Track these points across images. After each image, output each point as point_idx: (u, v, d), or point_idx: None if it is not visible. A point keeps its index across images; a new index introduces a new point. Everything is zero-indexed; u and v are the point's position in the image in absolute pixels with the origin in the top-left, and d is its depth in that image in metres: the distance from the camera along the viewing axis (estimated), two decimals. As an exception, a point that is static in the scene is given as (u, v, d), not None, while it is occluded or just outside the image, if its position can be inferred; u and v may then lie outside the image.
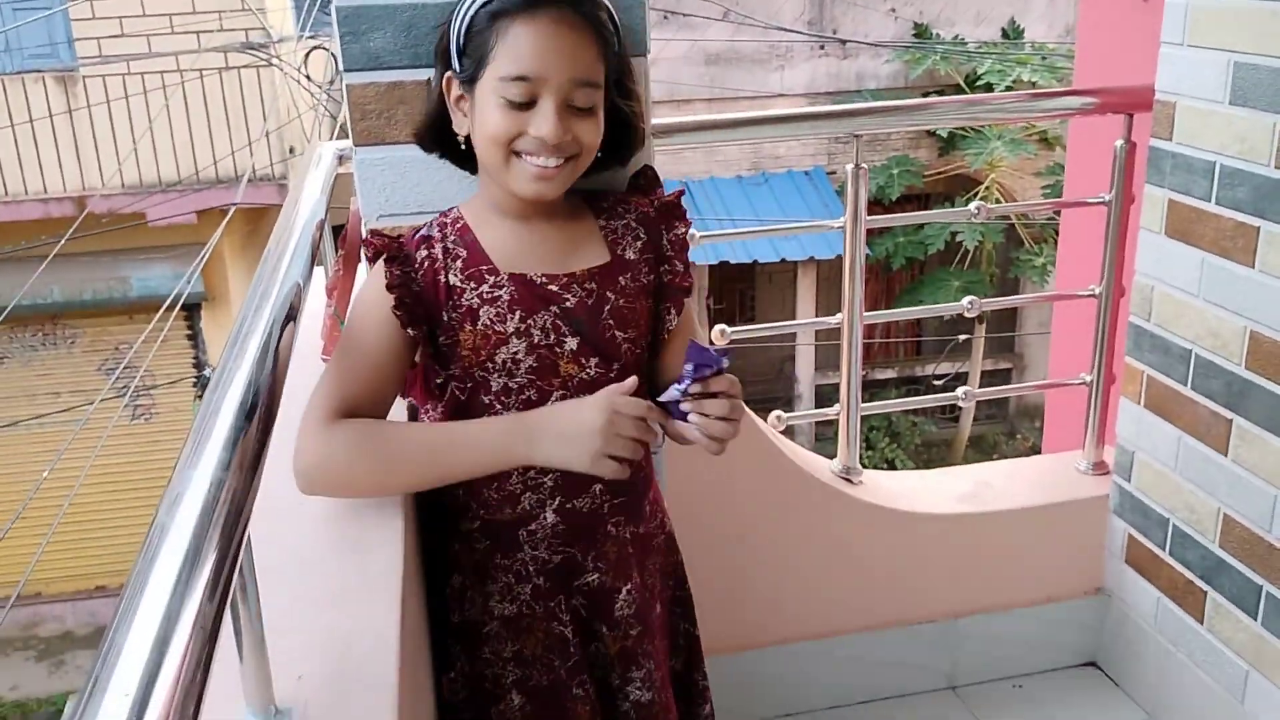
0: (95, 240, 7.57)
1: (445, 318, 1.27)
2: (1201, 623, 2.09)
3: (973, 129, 9.15)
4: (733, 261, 9.23)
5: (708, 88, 9.46)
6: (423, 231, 1.31)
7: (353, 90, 1.39)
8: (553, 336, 1.29)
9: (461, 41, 1.24)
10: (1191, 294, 2.03)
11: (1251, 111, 1.85)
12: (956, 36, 9.49)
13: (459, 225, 1.31)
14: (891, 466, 9.60)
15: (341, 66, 1.34)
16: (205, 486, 0.81)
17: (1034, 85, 8.88)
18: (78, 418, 6.83)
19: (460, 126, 1.28)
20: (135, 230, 7.95)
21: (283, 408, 1.02)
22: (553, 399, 1.29)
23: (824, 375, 10.39)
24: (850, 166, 2.11)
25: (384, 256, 1.26)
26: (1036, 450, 10.32)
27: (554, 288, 1.29)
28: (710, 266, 9.31)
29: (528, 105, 1.21)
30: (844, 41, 9.42)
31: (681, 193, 1.44)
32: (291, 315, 1.16)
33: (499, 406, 1.29)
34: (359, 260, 1.49)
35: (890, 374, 10.63)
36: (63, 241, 6.15)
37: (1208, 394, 2.01)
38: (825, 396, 10.50)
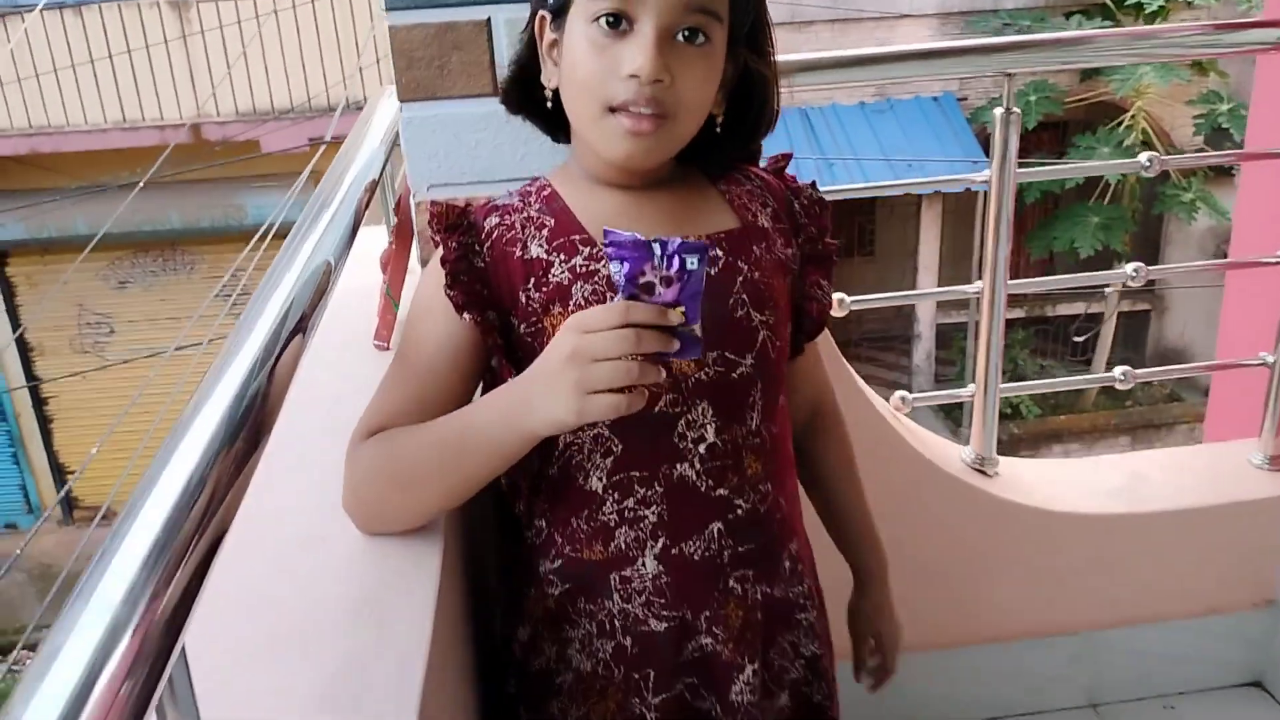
0: (212, 168, 7.60)
1: (524, 299, 1.03)
2: (1403, 658, 1.77)
3: (1120, 52, 8.45)
4: (853, 199, 8.80)
5: (830, 8, 8.95)
6: (497, 201, 1.09)
7: (396, 33, 1.16)
8: None
9: None
10: None
11: None
12: (1105, -49, 8.75)
13: (545, 193, 1.08)
14: (1016, 412, 9.16)
15: (384, 6, 1.10)
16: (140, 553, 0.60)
17: (1190, 5, 8.15)
18: (198, 341, 6.95)
19: (549, 78, 1.04)
20: (251, 157, 7.95)
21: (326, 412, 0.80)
22: (657, 408, 1.03)
23: (945, 314, 9.94)
24: (999, 111, 1.81)
25: (443, 226, 1.04)
26: (1176, 397, 9.74)
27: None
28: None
29: (622, 32, 0.97)
30: (981, -43, 8.78)
31: (789, 156, 1.21)
32: (302, 324, 0.94)
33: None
34: (412, 235, 1.28)
35: (1018, 313, 10.11)
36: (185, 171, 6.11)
37: None
38: (945, 336, 10.07)
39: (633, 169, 1.03)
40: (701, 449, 1.04)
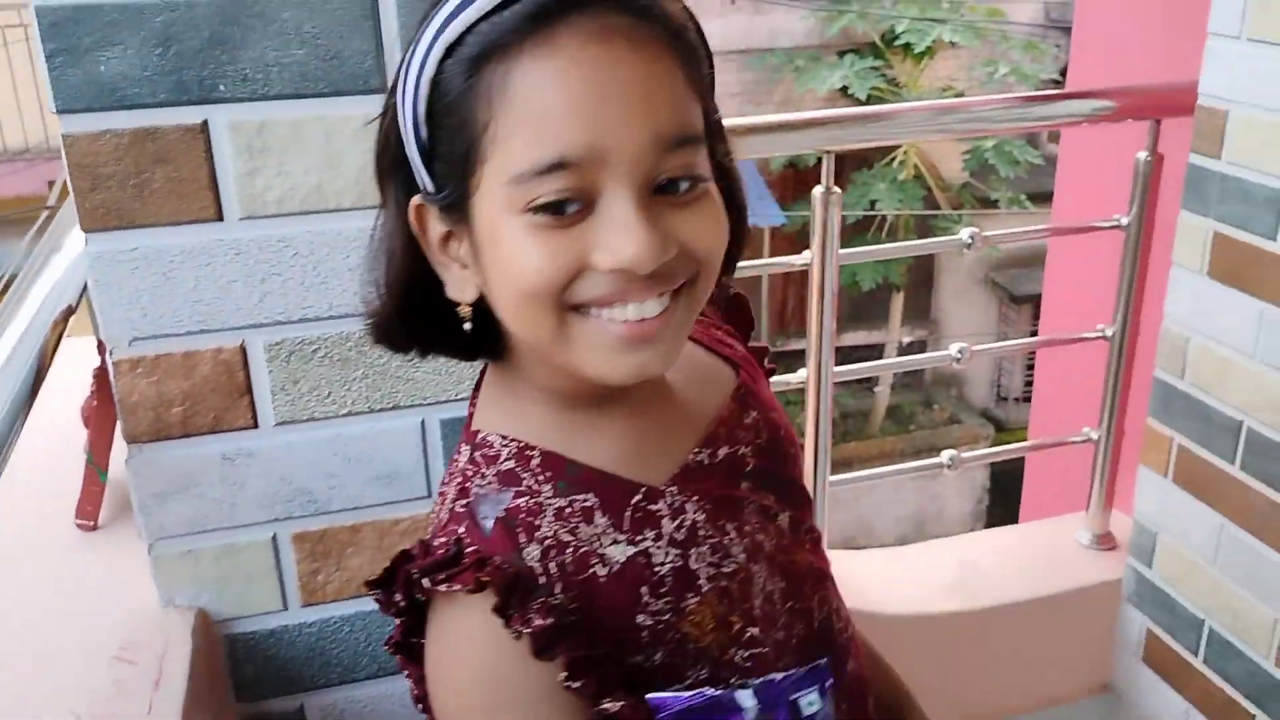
0: (-67, 215, 6.79)
1: (650, 621, 0.72)
2: (1248, 752, 1.71)
3: (890, 88, 8.79)
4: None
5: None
6: (483, 512, 0.73)
7: (74, 145, 0.86)
8: (771, 527, 0.81)
9: (423, 130, 0.69)
10: (1244, 354, 1.62)
11: (1345, 132, 1.43)
12: (873, -9, 9.08)
13: (536, 461, 0.74)
14: (808, 442, 9.31)
15: (53, 106, 0.81)
16: None
17: (953, 45, 8.54)
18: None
19: (459, 289, 0.72)
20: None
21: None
22: (817, 618, 0.83)
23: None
24: (819, 190, 1.65)
25: (501, 603, 0.68)
26: (956, 420, 10.16)
27: (724, 451, 0.79)
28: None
29: (579, 213, 0.66)
30: (756, -4, 8.94)
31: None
32: None
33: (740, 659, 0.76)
34: (114, 397, 0.97)
35: (804, 345, 10.31)
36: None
37: (1266, 479, 1.61)
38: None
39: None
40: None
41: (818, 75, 8.54)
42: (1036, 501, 2.33)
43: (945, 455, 1.96)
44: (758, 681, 0.65)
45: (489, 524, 0.72)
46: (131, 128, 0.90)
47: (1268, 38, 1.52)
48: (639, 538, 0.73)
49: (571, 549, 0.72)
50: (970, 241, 1.83)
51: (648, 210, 0.65)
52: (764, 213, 8.92)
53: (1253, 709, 1.69)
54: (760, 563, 0.78)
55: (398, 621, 0.73)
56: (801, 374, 1.78)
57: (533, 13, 0.64)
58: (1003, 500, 9.11)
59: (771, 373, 0.94)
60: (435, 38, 0.66)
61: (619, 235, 0.64)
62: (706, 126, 0.70)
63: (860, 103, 9.16)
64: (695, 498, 0.76)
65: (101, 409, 1.04)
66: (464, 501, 0.73)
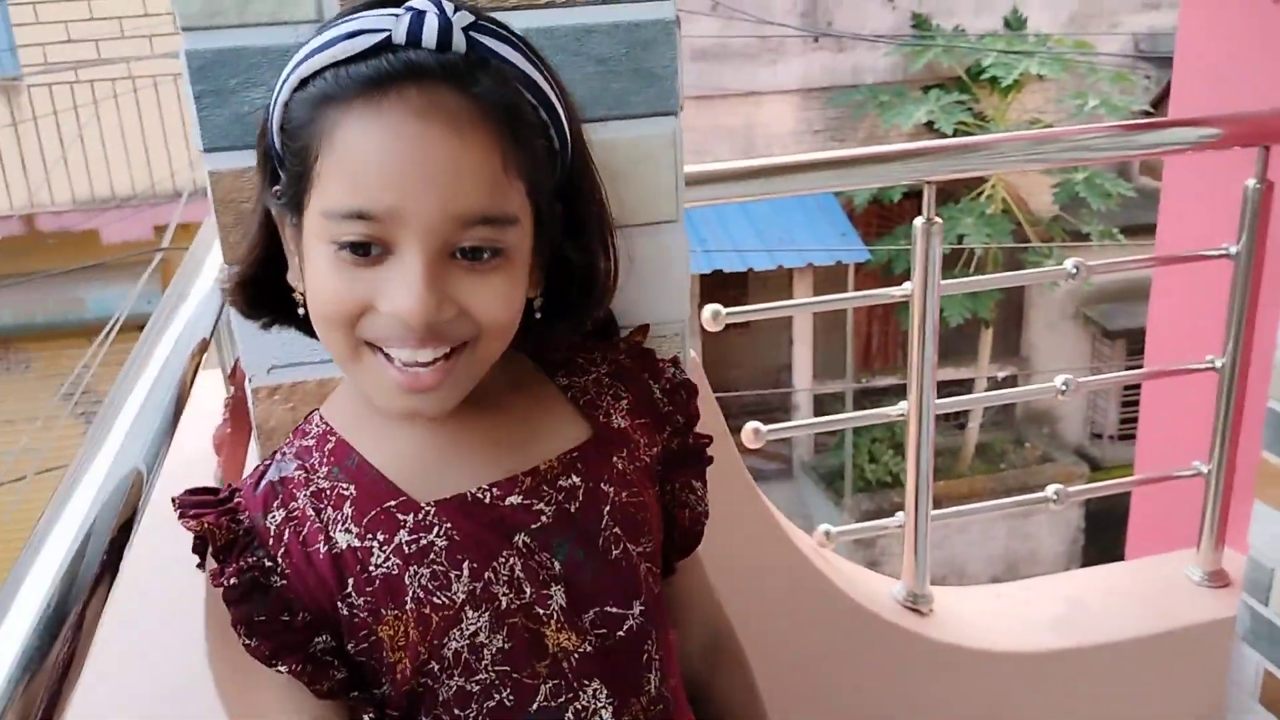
0: (46, 260, 7.08)
1: (345, 610, 0.78)
2: (1376, 800, 1.64)
3: (977, 122, 8.70)
4: (726, 270, 8.75)
5: (694, 85, 8.98)
6: (270, 473, 0.82)
7: (219, 181, 0.90)
8: (529, 589, 0.80)
9: (276, 139, 0.76)
10: (1365, 384, 1.57)
11: None
12: (957, 27, 9.02)
13: (330, 444, 0.82)
14: (896, 480, 9.17)
15: (200, 144, 0.85)
16: None
17: (1040, 78, 8.43)
18: (37, 447, 6.43)
19: (295, 277, 0.79)
20: (90, 248, 7.46)
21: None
22: (538, 700, 0.80)
23: (821, 383, 9.95)
24: (920, 221, 1.64)
25: (216, 552, 0.78)
26: (1049, 458, 9.91)
27: (515, 499, 0.81)
28: (702, 275, 8.83)
29: (379, 257, 0.72)
30: (839, 36, 8.94)
31: (646, 328, 0.99)
32: (110, 558, 0.73)
33: None
34: (250, 425, 1.02)
35: (892, 379, 10.19)
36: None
37: (1389, 514, 1.55)
38: (823, 406, 10.07)
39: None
40: None
41: (903, 111, 8.49)
42: (1142, 539, 2.27)
43: (1051, 489, 1.92)
44: None
45: (263, 485, 0.81)
46: (273, 166, 0.94)
47: (1383, 60, 1.49)
48: (368, 535, 0.78)
49: (310, 524, 0.78)
50: (1075, 271, 1.81)
51: (438, 270, 0.71)
52: (848, 248, 8.87)
53: (1379, 754, 1.62)
54: (481, 612, 0.78)
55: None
56: (902, 406, 1.76)
57: (372, 76, 0.71)
58: (1098, 540, 8.86)
59: (703, 462, 0.94)
60: (293, 69, 0.74)
61: (400, 287, 0.71)
62: (538, 205, 0.76)
63: (946, 137, 9.09)
64: (448, 525, 0.79)
65: (234, 436, 1.08)
66: (266, 463, 0.84)
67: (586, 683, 0.81)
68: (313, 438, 0.83)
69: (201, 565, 0.79)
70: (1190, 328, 2.10)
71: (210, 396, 1.24)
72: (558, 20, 0.97)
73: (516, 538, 0.80)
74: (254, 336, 0.93)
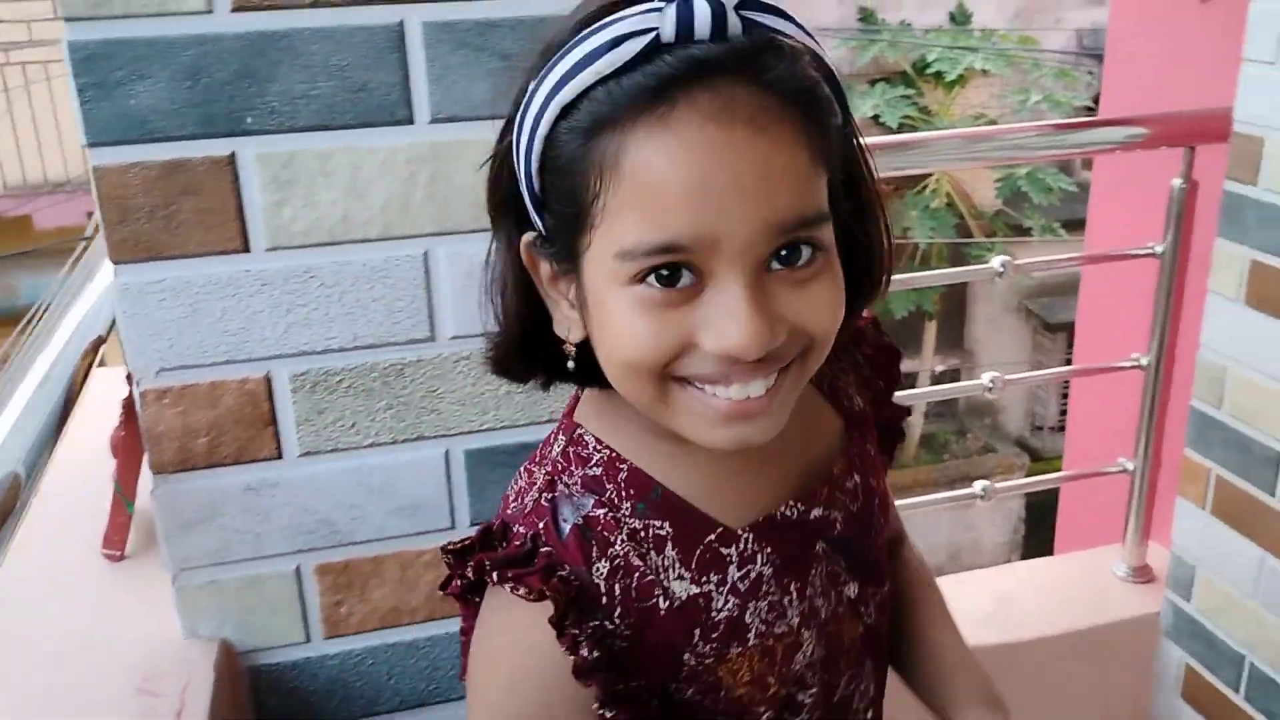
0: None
1: (693, 660, 0.72)
2: (1297, 793, 1.66)
3: (921, 116, 8.77)
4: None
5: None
6: (566, 513, 0.72)
7: (104, 177, 0.86)
8: (834, 593, 0.77)
9: (535, 181, 0.67)
10: (1287, 383, 1.59)
11: (1385, 157, 1.40)
12: (903, 21, 9.08)
13: (623, 475, 0.73)
14: (841, 471, 9.25)
15: (84, 139, 0.81)
16: None
17: (985, 73, 8.52)
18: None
19: (564, 328, 0.70)
20: (23, 234, 7.28)
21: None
22: (839, 692, 0.80)
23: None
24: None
25: (557, 614, 0.68)
26: (990, 449, 10.04)
27: (818, 512, 0.76)
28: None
29: (691, 288, 0.63)
30: (786, 26, 8.96)
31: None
32: None
33: None
34: (140, 430, 0.98)
35: (837, 372, 10.27)
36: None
37: (1310, 513, 1.57)
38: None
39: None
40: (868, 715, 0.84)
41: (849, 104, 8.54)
42: (1073, 532, 2.29)
43: (978, 486, 1.93)
44: None
45: (567, 528, 0.71)
46: (160, 160, 0.91)
47: (1305, 63, 1.50)
48: (704, 579, 0.71)
49: (638, 574, 0.70)
50: (1002, 270, 1.81)
51: (759, 291, 0.63)
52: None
53: (1297, 748, 1.64)
54: (811, 629, 0.76)
55: (456, 581, 0.73)
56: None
57: (652, 86, 0.60)
58: (1037, 531, 9.00)
59: (893, 437, 0.90)
60: (550, 96, 0.63)
61: (726, 320, 0.62)
62: (834, 191, 0.67)
63: (892, 131, 9.14)
64: (768, 550, 0.73)
65: (129, 439, 1.04)
66: (550, 495, 0.72)
67: (864, 663, 0.82)
68: (597, 465, 0.73)
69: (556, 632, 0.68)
70: (1118, 325, 2.12)
71: (113, 395, 1.20)
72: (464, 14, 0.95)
73: (818, 546, 0.77)
74: (140, 336, 0.89)
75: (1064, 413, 10.29)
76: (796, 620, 0.74)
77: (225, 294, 0.98)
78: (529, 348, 0.72)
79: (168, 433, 0.98)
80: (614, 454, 0.73)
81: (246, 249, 0.98)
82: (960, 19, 9.12)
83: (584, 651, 0.67)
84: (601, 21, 0.62)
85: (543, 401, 1.13)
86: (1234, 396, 1.69)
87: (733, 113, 0.61)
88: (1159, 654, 1.92)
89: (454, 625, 1.11)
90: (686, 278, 0.62)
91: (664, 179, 0.60)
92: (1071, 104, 8.47)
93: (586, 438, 0.74)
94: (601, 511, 0.71)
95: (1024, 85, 8.57)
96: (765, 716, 0.75)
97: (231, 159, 0.94)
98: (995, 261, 1.83)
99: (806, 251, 0.64)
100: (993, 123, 8.78)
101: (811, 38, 0.68)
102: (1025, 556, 7.73)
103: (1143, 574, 1.97)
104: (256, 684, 1.14)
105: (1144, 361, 1.87)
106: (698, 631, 0.71)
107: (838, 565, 0.78)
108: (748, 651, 0.72)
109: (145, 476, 1.06)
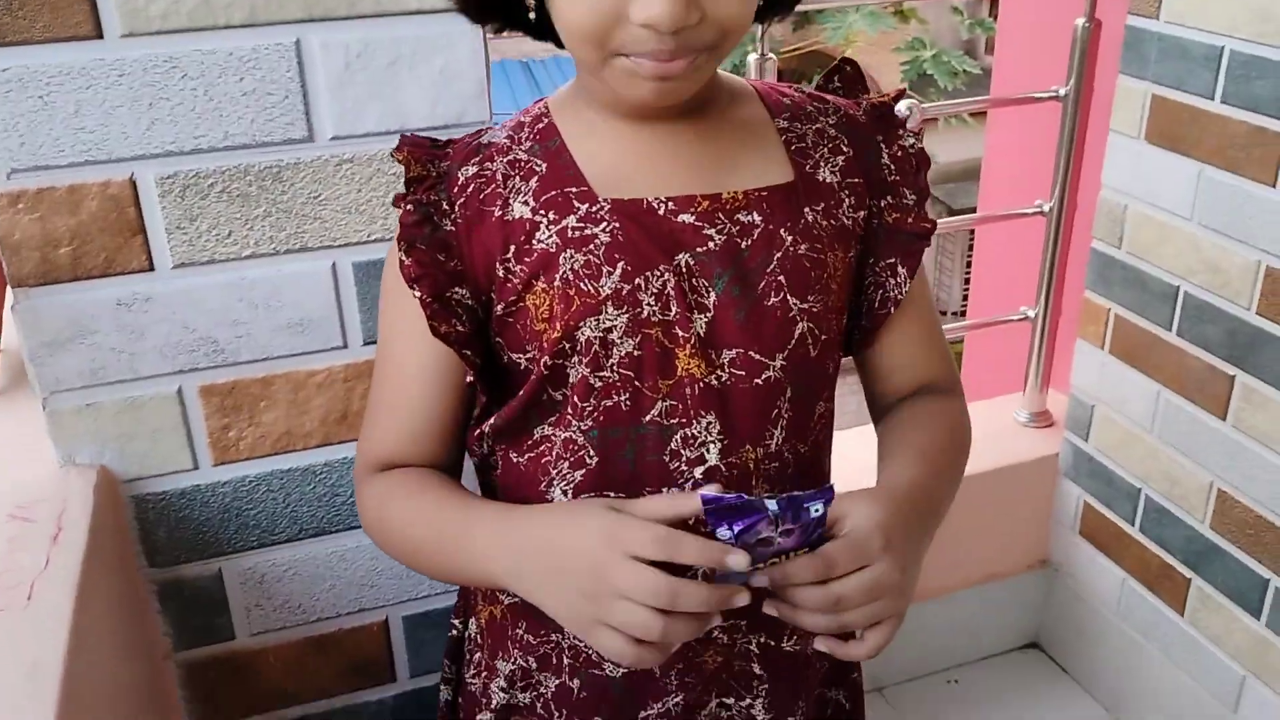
0: None
1: (502, 273, 0.82)
2: (1183, 615, 1.73)
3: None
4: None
5: None
6: (485, 136, 0.86)
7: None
8: (675, 308, 0.81)
9: None
10: (1182, 217, 1.61)
11: (1283, -22, 1.40)
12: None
13: (541, 126, 0.85)
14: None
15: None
16: None
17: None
18: None
19: None
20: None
21: None
22: (649, 417, 0.82)
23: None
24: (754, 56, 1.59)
25: (407, 177, 0.84)
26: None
27: (688, 218, 0.82)
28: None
29: None
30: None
31: (902, 93, 1.01)
32: None
33: (570, 416, 0.84)
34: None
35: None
36: None
37: (1201, 342, 1.60)
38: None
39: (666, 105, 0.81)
40: (697, 473, 0.84)
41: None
42: (977, 384, 2.32)
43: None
44: (783, 496, 0.70)
45: (467, 139, 0.86)
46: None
47: (1208, -113, 1.48)
48: (541, 211, 0.81)
49: (495, 186, 0.83)
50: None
51: None
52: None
53: (1188, 573, 1.70)
54: (622, 314, 0.81)
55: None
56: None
57: None
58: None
59: (916, 244, 0.91)
60: None
61: None
62: None
63: (801, 15, 9.04)
64: (617, 225, 0.81)
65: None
66: (491, 125, 0.89)
67: (702, 414, 0.82)
68: (529, 116, 0.86)
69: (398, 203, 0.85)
70: (1021, 175, 2.12)
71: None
72: None
73: (679, 257, 0.81)
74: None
75: (968, 298, 10.46)
76: (606, 292, 0.80)
77: (79, 86, 0.89)
78: None
79: (25, 241, 0.91)
80: (545, 111, 0.86)
81: (100, 35, 0.89)
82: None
83: (408, 206, 0.82)
84: None
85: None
86: (1133, 234, 1.70)
87: None
88: (1058, 494, 1.97)
89: (352, 450, 1.07)
90: None
91: None
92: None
93: (536, 106, 0.88)
94: (502, 139, 0.85)
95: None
96: (543, 362, 0.83)
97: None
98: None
99: None
100: (899, 9, 8.74)
101: None
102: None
103: (1043, 419, 2.01)
104: (143, 514, 1.09)
105: (1046, 207, 1.88)
106: (513, 248, 0.82)
107: (698, 292, 0.82)
108: (551, 290, 0.81)
109: (7, 319, 0.99)
